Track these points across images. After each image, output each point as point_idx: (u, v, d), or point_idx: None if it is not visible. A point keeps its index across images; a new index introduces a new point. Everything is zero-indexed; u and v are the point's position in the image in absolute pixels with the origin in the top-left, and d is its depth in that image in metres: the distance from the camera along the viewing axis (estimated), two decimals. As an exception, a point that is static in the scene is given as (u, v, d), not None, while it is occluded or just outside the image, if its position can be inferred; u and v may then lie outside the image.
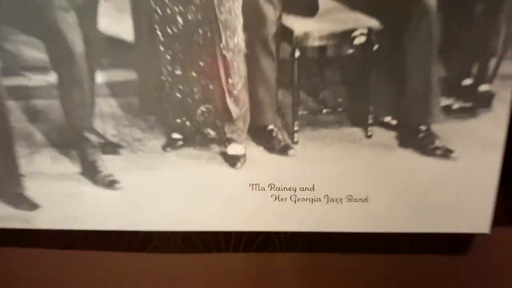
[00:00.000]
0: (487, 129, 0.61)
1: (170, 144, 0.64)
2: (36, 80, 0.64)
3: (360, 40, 0.57)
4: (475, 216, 0.65)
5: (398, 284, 0.75)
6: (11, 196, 0.70)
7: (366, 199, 0.65)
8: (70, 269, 0.78)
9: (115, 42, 0.60)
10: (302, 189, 0.65)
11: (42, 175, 0.68)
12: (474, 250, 0.72)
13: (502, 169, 0.62)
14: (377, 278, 0.75)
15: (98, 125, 0.64)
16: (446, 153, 0.62)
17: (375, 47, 0.58)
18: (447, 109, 0.60)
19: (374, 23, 0.57)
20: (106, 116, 0.64)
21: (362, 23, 0.57)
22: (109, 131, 0.64)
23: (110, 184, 0.67)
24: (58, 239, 0.75)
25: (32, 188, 0.68)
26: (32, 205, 0.70)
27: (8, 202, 0.70)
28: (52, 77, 0.63)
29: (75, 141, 0.66)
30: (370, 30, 0.57)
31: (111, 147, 0.66)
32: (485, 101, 0.59)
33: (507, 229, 0.68)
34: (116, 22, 0.59)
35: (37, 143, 0.66)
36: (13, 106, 0.64)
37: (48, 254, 0.77)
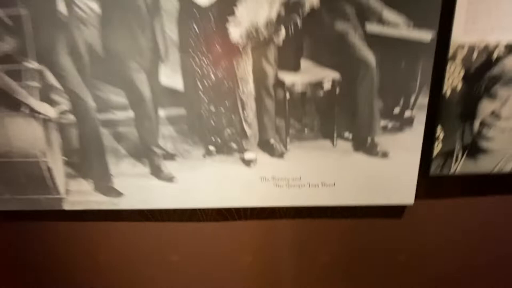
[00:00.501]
0: (410, 139, 0.76)
1: (208, 153, 0.80)
2: (120, 115, 0.78)
3: (327, 86, 0.71)
4: (404, 193, 0.80)
5: (354, 238, 0.89)
6: (104, 188, 0.86)
7: (334, 184, 0.80)
8: (144, 235, 0.95)
9: (171, 91, 0.74)
10: (293, 179, 0.81)
11: (125, 175, 0.84)
12: (405, 216, 0.88)
13: (420, 165, 0.75)
14: (342, 236, 0.89)
15: (161, 142, 0.79)
16: (384, 155, 0.76)
17: (337, 90, 0.71)
18: (384, 128, 0.74)
19: (336, 75, 0.71)
20: (166, 136, 0.78)
21: (329, 75, 0.71)
22: (168, 146, 0.79)
23: (170, 179, 0.83)
24: (136, 216, 0.93)
25: (118, 183, 0.85)
26: (118, 194, 0.86)
27: (103, 192, 0.86)
28: (130, 113, 0.79)
29: (146, 153, 0.81)
30: (334, 80, 0.71)
31: (169, 156, 0.81)
32: (408, 122, 0.74)
33: (425, 201, 0.82)
34: (171, 78, 0.72)
35: (121, 154, 0.82)
36: (105, 132, 0.79)
37: (128, 226, 0.94)
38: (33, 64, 0.77)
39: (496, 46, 0.69)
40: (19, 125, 0.83)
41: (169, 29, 0.72)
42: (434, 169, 0.80)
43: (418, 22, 0.69)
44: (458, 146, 0.78)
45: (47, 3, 0.71)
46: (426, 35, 0.70)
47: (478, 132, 0.76)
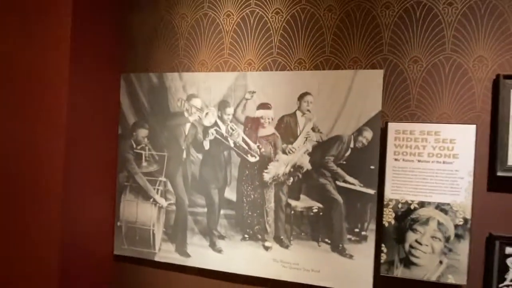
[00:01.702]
0: (366, 249, 1.21)
1: (243, 239, 1.35)
2: (199, 209, 1.38)
3: (315, 210, 1.23)
4: (365, 285, 1.17)
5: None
6: (181, 251, 1.43)
7: (319, 271, 1.22)
8: (201, 283, 1.45)
9: (229, 200, 1.36)
10: (294, 264, 1.30)
11: (194, 245, 1.40)
12: None
13: (374, 268, 1.17)
14: None
15: (218, 228, 1.34)
16: (351, 257, 1.21)
17: (321, 213, 1.21)
18: (349, 239, 1.20)
19: (320, 205, 1.25)
20: (222, 225, 1.37)
21: (316, 205, 1.25)
22: (222, 231, 1.33)
23: (220, 251, 1.35)
24: (198, 271, 1.43)
25: (189, 249, 1.37)
26: (188, 255, 1.39)
27: (180, 253, 1.42)
28: (205, 209, 1.40)
29: (209, 233, 1.34)
30: (319, 207, 1.24)
31: (222, 237, 1.31)
32: (364, 238, 1.20)
33: None
34: (230, 194, 1.29)
35: (195, 232, 1.39)
36: (189, 218, 1.37)
37: (189, 278, 1.45)
38: (162, 178, 1.42)
39: (412, 202, 1.13)
40: (145, 208, 1.45)
41: (234, 171, 1.34)
42: (382, 271, 1.17)
43: (366, 183, 1.19)
44: (396, 259, 1.16)
45: (178, 152, 1.44)
46: (371, 191, 1.19)
47: (409, 251, 1.15)
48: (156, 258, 1.48)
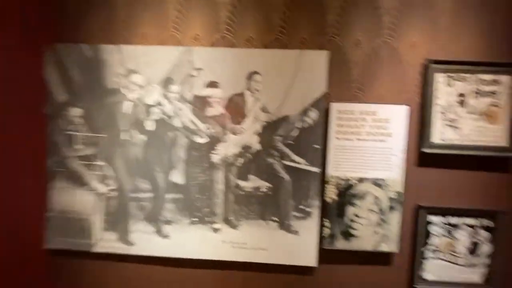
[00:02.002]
0: (311, 225, 1.30)
1: (192, 223, 1.41)
2: (143, 195, 1.37)
3: (263, 190, 1.32)
4: (311, 259, 1.27)
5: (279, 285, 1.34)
6: (124, 239, 1.38)
7: (267, 249, 1.31)
8: (145, 272, 1.47)
9: (175, 184, 1.39)
10: (243, 243, 1.40)
11: (138, 231, 1.39)
12: (314, 273, 1.43)
13: (318, 242, 1.31)
14: (273, 283, 1.39)
15: (164, 213, 1.34)
16: (296, 232, 1.34)
17: (269, 192, 1.31)
18: (295, 216, 1.33)
19: (268, 184, 1.40)
20: (168, 210, 1.39)
21: (265, 184, 1.38)
22: (169, 216, 1.38)
23: (166, 237, 1.38)
24: (142, 259, 1.45)
25: (133, 237, 1.36)
26: (131, 244, 1.38)
27: (122, 242, 1.41)
28: (149, 194, 1.42)
29: (154, 219, 1.33)
30: (267, 187, 1.35)
31: (168, 222, 1.38)
32: (309, 214, 1.32)
33: (324, 266, 1.27)
34: (177, 177, 1.29)
35: (139, 218, 1.44)
36: (132, 204, 1.34)
37: (133, 266, 1.45)
38: (101, 163, 1.34)
39: (352, 178, 1.26)
40: (81, 196, 1.38)
41: (180, 153, 1.33)
42: (325, 244, 1.32)
43: (311, 162, 1.31)
44: (338, 232, 1.31)
45: (117, 133, 1.42)
46: (316, 169, 1.32)
47: (348, 224, 1.29)
48: (96, 249, 1.46)
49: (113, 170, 1.42)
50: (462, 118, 1.36)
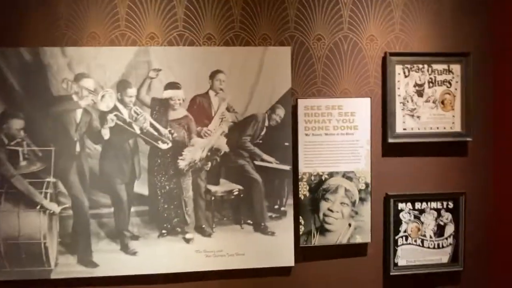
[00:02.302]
0: (286, 224, 1.31)
1: (161, 235, 1.32)
2: (104, 210, 1.23)
3: (236, 193, 1.27)
4: (287, 259, 1.28)
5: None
6: (86, 261, 1.27)
7: (244, 254, 1.30)
8: None
9: (140, 195, 1.28)
10: (217, 251, 1.30)
11: (101, 251, 1.26)
12: (292, 273, 1.40)
13: (294, 241, 1.29)
14: None
15: (130, 228, 1.23)
16: (273, 233, 1.30)
17: (241, 195, 1.27)
18: (270, 217, 1.35)
19: (240, 187, 1.33)
20: (134, 224, 1.29)
21: (236, 187, 1.31)
22: (135, 230, 1.26)
23: (134, 253, 1.27)
24: (109, 281, 1.31)
25: (96, 257, 1.22)
26: (95, 265, 1.24)
27: (84, 264, 1.29)
28: (112, 209, 1.28)
29: (119, 235, 1.21)
30: (239, 189, 1.34)
31: (135, 237, 1.27)
32: (284, 214, 1.32)
33: (302, 263, 1.28)
34: (141, 188, 1.19)
35: (101, 237, 1.27)
36: (92, 221, 1.23)
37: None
38: (51, 179, 1.20)
39: (323, 173, 1.28)
40: (31, 218, 1.24)
41: (143, 161, 1.24)
42: (301, 242, 1.31)
43: (281, 160, 1.32)
44: (313, 228, 1.31)
45: (68, 144, 1.27)
46: (287, 167, 1.31)
47: (323, 219, 1.31)
48: (53, 276, 1.30)
49: (67, 186, 1.28)
50: (420, 107, 1.41)
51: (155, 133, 1.33)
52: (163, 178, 1.30)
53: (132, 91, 1.29)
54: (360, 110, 1.36)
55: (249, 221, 1.34)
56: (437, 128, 1.41)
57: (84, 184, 1.29)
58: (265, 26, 1.37)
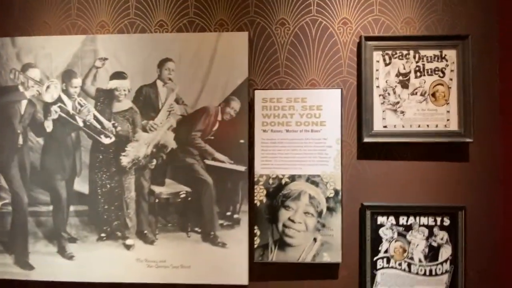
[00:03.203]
0: (240, 234, 1.12)
1: (100, 239, 1.18)
2: (43, 208, 1.16)
3: (183, 195, 1.09)
4: (240, 276, 1.12)
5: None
6: (22, 262, 1.15)
7: (190, 266, 1.13)
8: None
9: (80, 194, 1.14)
10: (160, 261, 1.15)
11: (38, 252, 1.17)
12: None
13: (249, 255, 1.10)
14: None
15: (68, 229, 1.13)
16: (223, 245, 1.13)
17: (189, 198, 1.11)
18: (221, 225, 1.12)
19: (188, 189, 1.15)
20: (72, 225, 1.17)
21: (184, 189, 1.12)
22: (73, 232, 1.15)
23: (71, 257, 1.15)
24: (44, 285, 1.20)
25: (32, 259, 1.13)
26: (31, 267, 1.15)
27: (20, 266, 1.15)
28: (50, 207, 1.17)
29: (56, 237, 1.12)
30: (187, 192, 1.13)
31: (73, 240, 1.17)
32: (237, 222, 1.14)
33: (257, 284, 1.09)
34: (81, 185, 1.11)
35: (39, 237, 1.18)
36: (30, 220, 1.19)
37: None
38: None
39: (283, 176, 1.11)
40: None
41: (84, 156, 1.15)
42: (256, 257, 1.12)
43: (236, 160, 1.16)
44: (271, 241, 1.12)
45: (11, 137, 1.20)
46: (241, 168, 1.15)
47: (282, 231, 1.12)
48: None
49: (7, 181, 1.20)
50: (405, 100, 1.15)
51: (98, 126, 1.21)
52: (104, 175, 1.18)
53: (77, 81, 1.21)
54: (328, 103, 1.14)
55: (196, 229, 1.16)
56: (427, 126, 1.14)
57: (25, 179, 1.21)
58: (222, 11, 1.22)
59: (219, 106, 1.17)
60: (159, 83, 1.21)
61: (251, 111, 1.18)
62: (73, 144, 1.20)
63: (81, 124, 1.22)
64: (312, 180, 1.14)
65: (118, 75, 1.23)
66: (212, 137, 1.17)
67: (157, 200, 1.18)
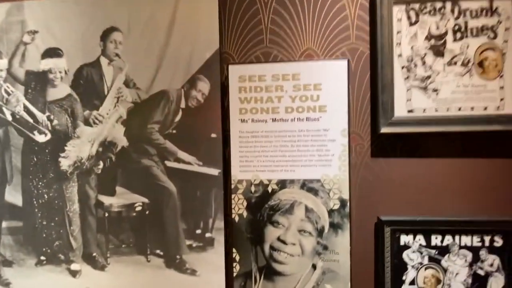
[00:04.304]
0: (214, 259, 0.86)
1: (39, 263, 0.94)
2: None
3: (139, 208, 0.85)
4: None
5: None
6: None
7: None
8: None
9: (12, 206, 0.91)
10: None
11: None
12: None
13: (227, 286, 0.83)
14: None
15: (1, 250, 0.90)
16: (193, 272, 0.86)
17: (147, 212, 0.85)
18: (190, 246, 0.86)
19: (145, 200, 0.87)
20: (6, 245, 0.93)
21: (140, 200, 0.87)
22: (7, 253, 0.92)
23: (7, 285, 0.92)
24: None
25: None
26: None
27: None
28: None
29: None
30: (143, 203, 0.87)
31: (8, 263, 0.94)
32: (210, 243, 0.86)
33: None
34: (13, 196, 0.90)
35: None
36: None
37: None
38: None
39: (269, 182, 0.84)
40: None
41: (15, 159, 0.92)
42: None
43: (206, 161, 0.88)
44: (254, 269, 0.86)
45: None
46: (214, 171, 0.87)
47: (270, 255, 0.85)
48: None
49: None
50: (439, 74, 0.80)
51: (30, 120, 0.91)
52: (40, 183, 0.91)
53: (2, 62, 0.92)
54: (330, 80, 0.81)
55: (158, 252, 0.87)
56: (471, 108, 0.79)
57: None
58: (184, -39, 1.06)
59: (182, 89, 0.86)
60: (104, 61, 0.89)
61: (225, 95, 0.86)
62: (2, 143, 0.92)
63: (9, 117, 0.93)
64: (309, 187, 0.82)
65: (51, 53, 0.91)
66: (174, 131, 0.87)
67: (106, 214, 0.89)
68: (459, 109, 0.85)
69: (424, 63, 0.86)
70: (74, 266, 0.92)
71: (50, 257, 0.92)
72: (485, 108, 0.85)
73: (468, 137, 0.83)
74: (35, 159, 0.95)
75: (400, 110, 0.86)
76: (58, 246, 0.94)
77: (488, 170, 0.84)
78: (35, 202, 0.95)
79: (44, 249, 0.93)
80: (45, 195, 0.95)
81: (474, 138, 0.83)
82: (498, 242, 0.86)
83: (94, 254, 0.93)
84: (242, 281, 0.86)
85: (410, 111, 0.87)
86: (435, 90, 0.87)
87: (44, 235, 0.94)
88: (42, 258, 0.94)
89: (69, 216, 0.95)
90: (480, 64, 0.86)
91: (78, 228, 0.94)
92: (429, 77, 0.87)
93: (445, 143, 0.84)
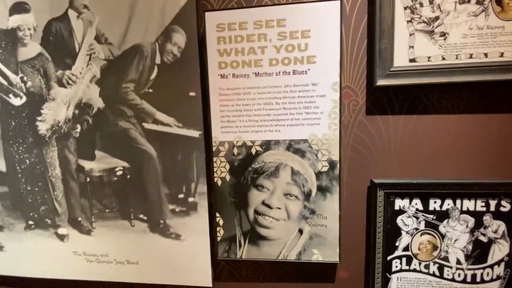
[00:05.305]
0: (197, 223, 0.80)
1: (28, 227, 0.91)
2: None
3: (119, 173, 0.80)
4: (202, 275, 0.82)
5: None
6: None
7: (137, 262, 0.85)
8: None
9: None
10: (101, 256, 0.88)
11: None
12: None
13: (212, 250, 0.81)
14: None
15: None
16: (177, 236, 0.82)
17: (128, 176, 0.80)
18: (173, 211, 0.81)
19: (126, 164, 0.82)
20: None
21: (120, 164, 0.81)
22: None
23: (0, 248, 0.90)
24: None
25: None
26: None
27: None
28: None
29: None
30: (124, 167, 0.82)
31: (5, 228, 0.91)
32: (193, 207, 0.80)
33: (224, 284, 0.82)
34: None
35: None
36: None
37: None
38: None
39: (253, 143, 0.77)
40: None
41: None
42: (221, 253, 0.82)
43: (185, 122, 0.80)
44: (239, 233, 0.81)
45: None
46: (194, 132, 0.80)
47: (254, 220, 0.80)
48: None
49: None
50: (448, 14, 0.67)
51: (5, 83, 0.84)
52: (21, 148, 0.86)
53: None
54: (320, 25, 0.69)
55: (141, 216, 0.83)
56: (485, 55, 0.67)
57: None
58: None
59: (156, 42, 0.76)
60: (72, 14, 0.79)
61: (203, 47, 0.76)
62: (-22, 108, 0.98)
63: (-18, 80, 1.01)
64: (295, 148, 0.74)
65: (18, 8, 0.82)
66: (151, 90, 0.78)
67: (88, 179, 0.84)
68: (471, 56, 0.72)
69: (431, 1, 0.74)
70: (61, 231, 0.90)
71: (38, 222, 0.90)
72: (502, 54, 0.71)
73: (480, 89, 0.71)
74: (13, 123, 0.90)
75: (400, 59, 0.74)
76: (44, 211, 0.91)
77: (500, 127, 0.72)
78: (17, 167, 0.91)
79: (31, 214, 0.91)
80: (27, 160, 0.91)
81: (487, 90, 0.71)
82: (506, 206, 0.76)
83: (80, 219, 0.90)
84: (227, 245, 0.81)
85: (412, 60, 0.75)
86: (443, 35, 0.75)
87: (30, 200, 0.91)
88: (30, 222, 0.93)
89: (51, 181, 0.92)
90: (499, 1, 0.74)
91: (62, 193, 0.91)
92: (437, 18, 0.74)
93: (451, 96, 0.72)
